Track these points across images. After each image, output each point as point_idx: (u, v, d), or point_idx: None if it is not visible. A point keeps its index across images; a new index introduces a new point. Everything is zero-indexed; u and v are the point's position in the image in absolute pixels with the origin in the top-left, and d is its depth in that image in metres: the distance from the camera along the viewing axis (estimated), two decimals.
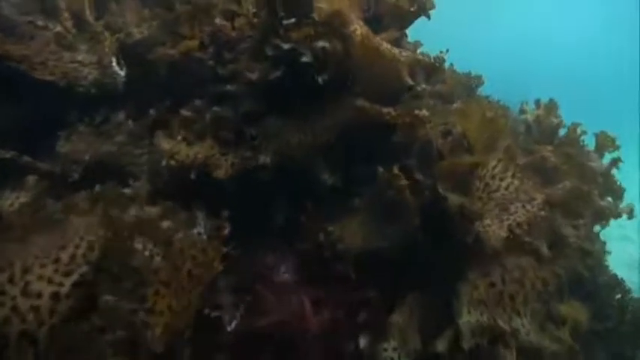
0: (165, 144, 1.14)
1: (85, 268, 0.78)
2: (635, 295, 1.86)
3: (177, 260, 0.88)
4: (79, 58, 1.49)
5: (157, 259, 0.83)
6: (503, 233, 1.31)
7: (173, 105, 1.31)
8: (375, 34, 1.28)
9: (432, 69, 1.32)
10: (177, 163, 1.13)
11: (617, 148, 1.91)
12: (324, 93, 1.28)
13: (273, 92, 1.27)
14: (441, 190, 1.32)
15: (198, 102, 1.22)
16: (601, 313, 1.73)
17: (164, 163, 1.13)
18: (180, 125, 1.19)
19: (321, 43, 1.17)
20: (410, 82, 1.28)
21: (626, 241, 5.39)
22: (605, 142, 1.85)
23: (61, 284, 0.77)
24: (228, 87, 1.28)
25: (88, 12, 1.63)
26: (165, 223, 0.90)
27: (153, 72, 1.42)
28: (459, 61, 1.87)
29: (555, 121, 1.71)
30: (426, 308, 1.37)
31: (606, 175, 1.77)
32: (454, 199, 1.30)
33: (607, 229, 1.84)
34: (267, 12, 1.27)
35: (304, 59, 1.21)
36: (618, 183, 1.85)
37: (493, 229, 1.33)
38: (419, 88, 1.29)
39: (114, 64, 1.46)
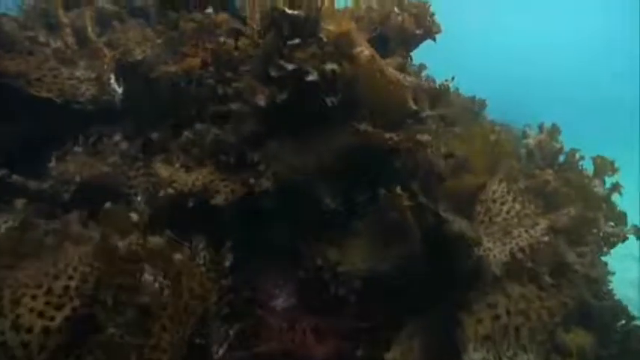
0: (163, 171, 1.11)
1: (77, 302, 0.74)
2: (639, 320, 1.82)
3: (181, 293, 0.85)
4: (78, 74, 1.47)
5: (166, 292, 0.79)
6: (505, 258, 1.29)
7: (172, 125, 1.29)
8: (381, 57, 1.27)
9: (437, 96, 1.32)
10: (176, 192, 1.10)
11: (616, 171, 1.89)
12: (328, 116, 1.26)
13: (277, 114, 1.25)
14: (442, 213, 1.30)
15: (198, 125, 1.19)
16: (605, 338, 1.69)
17: (162, 193, 1.09)
18: (179, 149, 1.16)
19: (329, 66, 1.16)
20: (414, 107, 1.26)
21: (630, 259, 5.32)
22: (603, 167, 1.83)
23: (52, 318, 0.73)
24: (230, 107, 1.26)
25: (90, 28, 1.62)
26: (177, 255, 0.86)
27: (153, 90, 1.39)
28: (463, 77, 1.85)
29: (557, 145, 1.71)
30: (427, 338, 1.34)
31: (608, 200, 1.76)
32: (455, 221, 1.28)
33: None
34: (273, 32, 1.26)
35: (310, 78, 1.20)
36: (619, 208, 1.83)
37: (494, 254, 1.31)
38: (423, 114, 1.28)
39: (112, 80, 1.44)
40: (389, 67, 1.23)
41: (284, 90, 1.23)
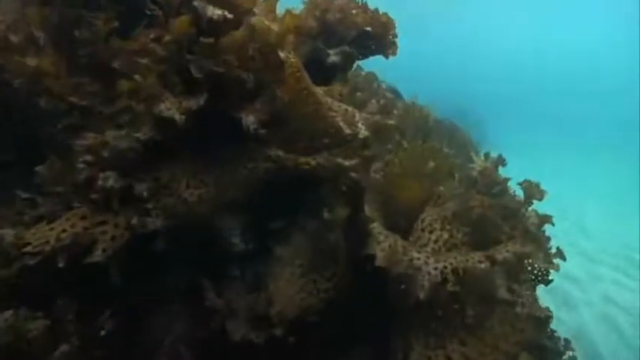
0: (9, 234, 0.78)
1: None
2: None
3: None
4: None
5: None
6: (434, 278, 1.14)
7: (21, 146, 0.95)
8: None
9: (377, 128, 1.15)
10: (33, 257, 0.79)
11: (544, 195, 1.86)
12: (241, 133, 1.02)
13: (172, 131, 0.97)
14: (370, 226, 1.14)
15: (53, 158, 0.85)
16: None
17: (16, 266, 0.77)
18: (35, 190, 0.84)
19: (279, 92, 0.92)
20: (348, 131, 1.06)
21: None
22: (531, 192, 1.79)
23: None
24: (115, 120, 0.96)
25: None
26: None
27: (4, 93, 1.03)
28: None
29: (499, 177, 1.62)
30: None
31: (541, 232, 1.71)
32: (382, 240, 1.11)
33: None
34: (189, 16, 0.98)
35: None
36: (547, 238, 1.79)
37: (423, 273, 1.15)
38: (361, 136, 1.09)
39: None
40: (317, 88, 1.03)
41: (200, 95, 0.97)
